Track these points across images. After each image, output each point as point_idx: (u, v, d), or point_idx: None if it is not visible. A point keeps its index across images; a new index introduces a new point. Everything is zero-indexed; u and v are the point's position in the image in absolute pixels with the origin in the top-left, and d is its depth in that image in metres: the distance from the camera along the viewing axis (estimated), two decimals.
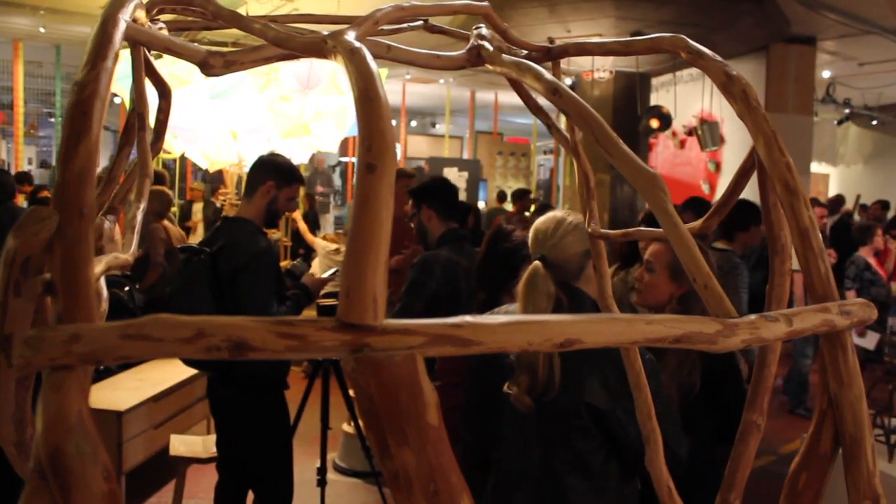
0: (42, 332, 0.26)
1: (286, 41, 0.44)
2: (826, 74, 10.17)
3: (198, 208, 9.86)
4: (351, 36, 0.37)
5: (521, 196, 10.85)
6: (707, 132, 7.87)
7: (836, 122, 12.46)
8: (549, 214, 2.13)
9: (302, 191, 8.50)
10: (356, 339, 0.25)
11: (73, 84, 0.33)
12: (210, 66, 0.46)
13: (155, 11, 0.71)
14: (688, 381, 2.30)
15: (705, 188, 9.27)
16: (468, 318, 0.26)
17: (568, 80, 8.42)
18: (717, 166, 9.15)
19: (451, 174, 12.57)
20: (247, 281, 2.98)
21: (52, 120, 12.73)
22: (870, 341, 4.97)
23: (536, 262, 1.98)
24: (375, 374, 0.25)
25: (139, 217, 0.50)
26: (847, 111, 11.84)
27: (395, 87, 13.14)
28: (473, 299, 3.38)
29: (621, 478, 1.94)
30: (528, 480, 1.97)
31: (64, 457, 0.25)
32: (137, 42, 0.45)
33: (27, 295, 0.30)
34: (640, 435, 1.84)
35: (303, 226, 8.04)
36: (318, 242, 7.69)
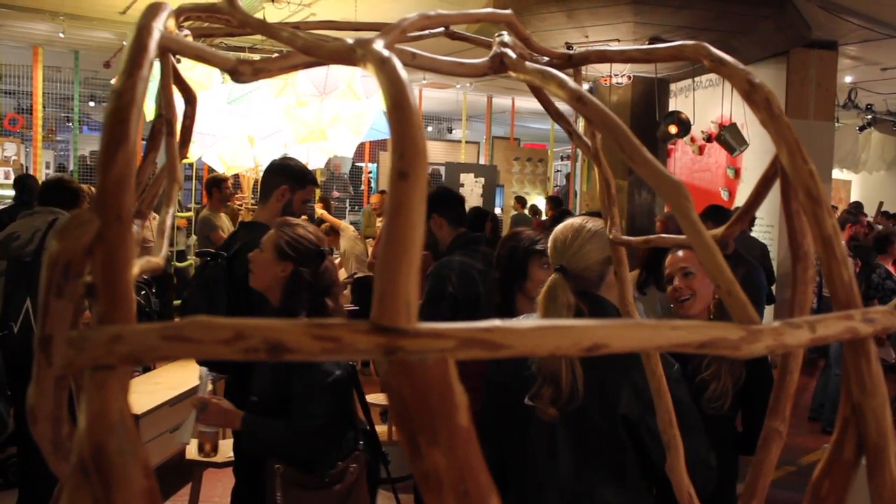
0: (85, 332, 0.26)
1: (314, 49, 0.45)
2: (848, 79, 10.09)
3: None
4: (380, 44, 0.37)
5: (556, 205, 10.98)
6: (730, 137, 7.78)
7: (857, 128, 12.35)
8: (568, 222, 2.11)
9: (318, 193, 8.57)
10: (389, 341, 0.25)
11: (110, 92, 0.34)
12: (240, 73, 0.47)
13: (182, 19, 0.72)
14: (736, 369, 2.33)
15: (724, 195, 9.22)
16: (498, 322, 0.26)
17: (585, 86, 8.40)
18: (737, 173, 9.10)
19: (468, 180, 12.58)
20: None
21: (70, 125, 12.88)
22: (885, 354, 4.93)
23: (556, 274, 1.98)
24: (408, 376, 0.25)
25: (169, 222, 0.51)
26: (869, 117, 11.74)
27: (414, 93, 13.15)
28: (492, 302, 3.40)
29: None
30: (558, 491, 1.95)
31: (106, 454, 0.25)
32: (169, 50, 0.46)
33: (68, 297, 0.31)
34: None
35: (325, 213, 8.15)
36: (343, 225, 7.80)
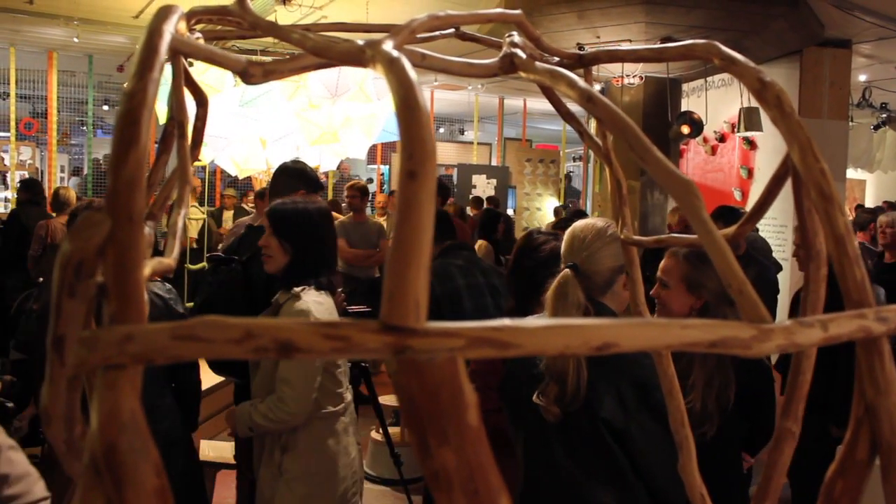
0: (96, 332, 0.27)
1: (325, 51, 0.45)
2: (862, 78, 10.02)
3: (228, 216, 9.98)
4: (389, 45, 0.37)
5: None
6: (746, 121, 7.63)
7: (872, 127, 12.25)
8: (590, 222, 2.09)
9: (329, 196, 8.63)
10: (399, 340, 0.25)
11: (122, 94, 0.34)
12: (250, 75, 0.47)
13: (193, 22, 0.72)
14: (723, 395, 2.27)
15: (737, 195, 9.17)
16: (507, 321, 0.26)
17: (597, 87, 8.36)
18: (750, 173, 9.05)
19: (480, 181, 12.59)
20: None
21: (84, 128, 12.97)
22: None
23: (567, 271, 1.96)
24: (417, 376, 0.25)
25: (180, 223, 0.52)
26: (884, 115, 11.64)
27: (423, 93, 13.16)
28: (481, 291, 3.41)
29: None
30: (553, 491, 1.95)
31: (117, 453, 0.26)
32: (180, 52, 0.47)
33: (80, 297, 0.31)
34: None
35: (334, 213, 8.22)
36: None
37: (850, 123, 9.76)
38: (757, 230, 6.80)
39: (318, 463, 2.71)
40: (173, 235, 0.49)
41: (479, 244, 6.98)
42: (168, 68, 0.65)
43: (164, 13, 0.42)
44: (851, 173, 12.63)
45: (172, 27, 0.42)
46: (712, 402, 2.24)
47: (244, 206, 9.92)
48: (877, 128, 12.18)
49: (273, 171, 6.76)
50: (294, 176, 3.32)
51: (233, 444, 4.20)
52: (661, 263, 2.52)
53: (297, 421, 2.62)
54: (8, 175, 10.84)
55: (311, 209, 2.80)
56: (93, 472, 0.27)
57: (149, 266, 0.39)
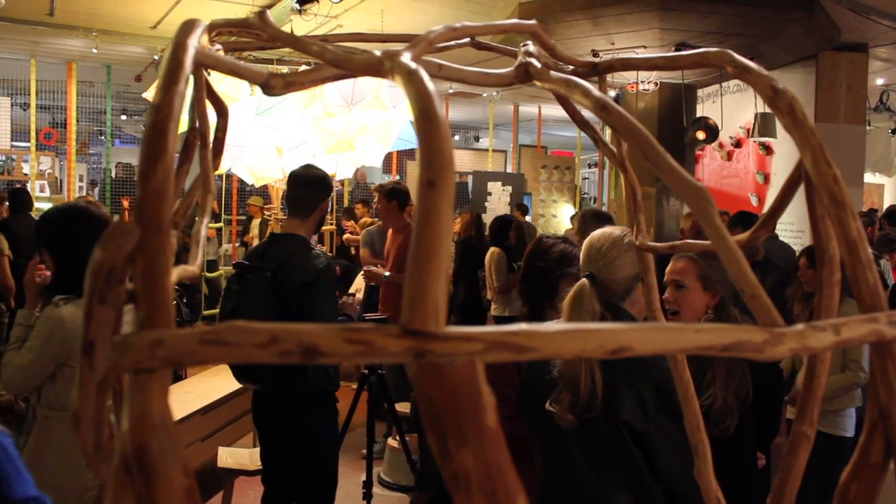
0: (128, 337, 0.28)
1: (344, 62, 0.46)
2: (879, 82, 9.94)
3: (255, 224, 10.08)
4: (407, 57, 0.38)
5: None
6: (761, 127, 7.59)
7: (890, 131, 12.14)
8: (607, 230, 2.11)
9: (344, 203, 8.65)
10: (419, 345, 0.26)
11: (149, 107, 0.35)
12: (272, 86, 0.48)
13: (214, 34, 0.74)
14: (741, 388, 2.28)
15: (754, 200, 9.12)
16: (524, 326, 0.27)
17: (612, 93, 8.37)
18: (766, 178, 9.00)
19: (496, 188, 12.59)
20: (316, 296, 3.07)
21: (103, 138, 13.12)
22: None
23: (584, 280, 1.97)
24: (437, 379, 0.26)
25: (203, 231, 0.53)
26: None
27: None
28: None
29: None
30: (572, 494, 1.95)
31: (148, 453, 0.27)
32: (204, 65, 0.48)
33: (111, 303, 0.32)
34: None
35: (349, 236, 8.25)
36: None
37: (868, 128, 9.69)
38: (776, 236, 6.76)
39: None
40: (196, 244, 0.50)
41: (492, 251, 6.97)
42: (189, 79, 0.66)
43: (188, 27, 0.43)
44: (869, 178, 12.53)
45: (196, 41, 0.43)
46: (732, 396, 2.25)
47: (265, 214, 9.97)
48: (894, 132, 12.08)
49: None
50: (317, 187, 3.35)
51: (249, 450, 4.23)
52: (671, 266, 2.52)
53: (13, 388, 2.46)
54: (28, 184, 10.97)
55: (77, 215, 2.55)
56: (124, 472, 0.28)
57: (174, 273, 0.40)
